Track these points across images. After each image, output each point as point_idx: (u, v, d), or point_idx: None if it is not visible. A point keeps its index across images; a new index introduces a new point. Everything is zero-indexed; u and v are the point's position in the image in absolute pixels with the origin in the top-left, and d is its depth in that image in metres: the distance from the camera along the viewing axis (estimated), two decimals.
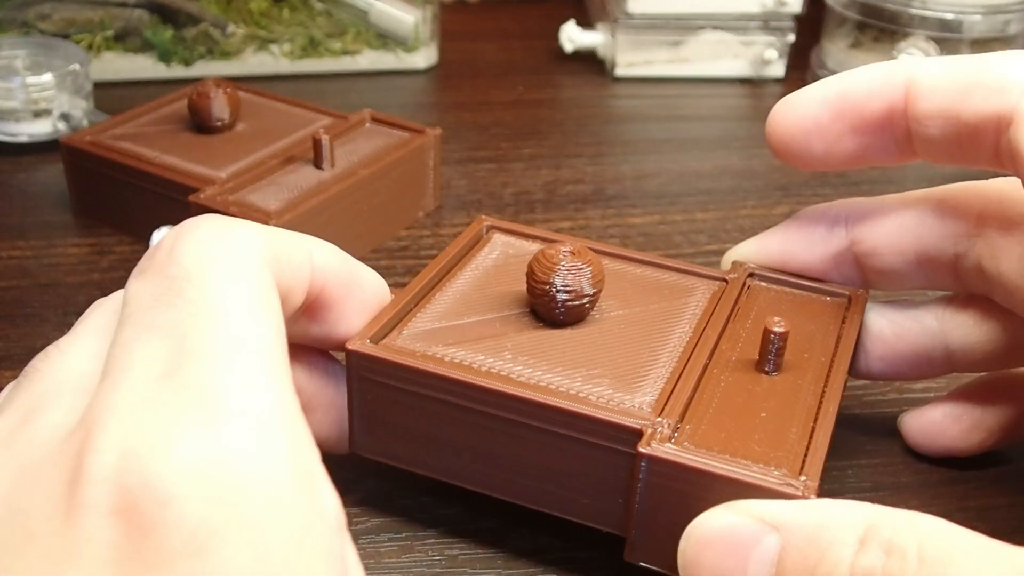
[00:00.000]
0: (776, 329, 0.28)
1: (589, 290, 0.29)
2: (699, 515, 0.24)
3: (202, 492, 0.17)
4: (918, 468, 0.33)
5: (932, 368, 0.32)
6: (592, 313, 0.30)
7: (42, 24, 0.58)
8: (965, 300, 0.31)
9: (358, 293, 0.27)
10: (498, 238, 0.34)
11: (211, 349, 0.19)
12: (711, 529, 0.23)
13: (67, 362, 0.21)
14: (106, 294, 0.44)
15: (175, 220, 0.41)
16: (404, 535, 0.30)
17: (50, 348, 0.22)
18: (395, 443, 0.29)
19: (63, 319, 0.40)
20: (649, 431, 0.25)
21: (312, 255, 0.24)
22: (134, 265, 0.22)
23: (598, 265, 0.30)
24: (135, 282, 0.21)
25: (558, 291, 0.29)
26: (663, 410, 0.26)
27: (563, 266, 0.29)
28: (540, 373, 0.28)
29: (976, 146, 0.28)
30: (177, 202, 0.41)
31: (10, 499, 0.17)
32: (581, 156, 0.54)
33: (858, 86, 0.29)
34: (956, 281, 0.31)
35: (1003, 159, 0.27)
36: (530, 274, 0.29)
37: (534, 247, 0.34)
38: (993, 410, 0.32)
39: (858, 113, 0.29)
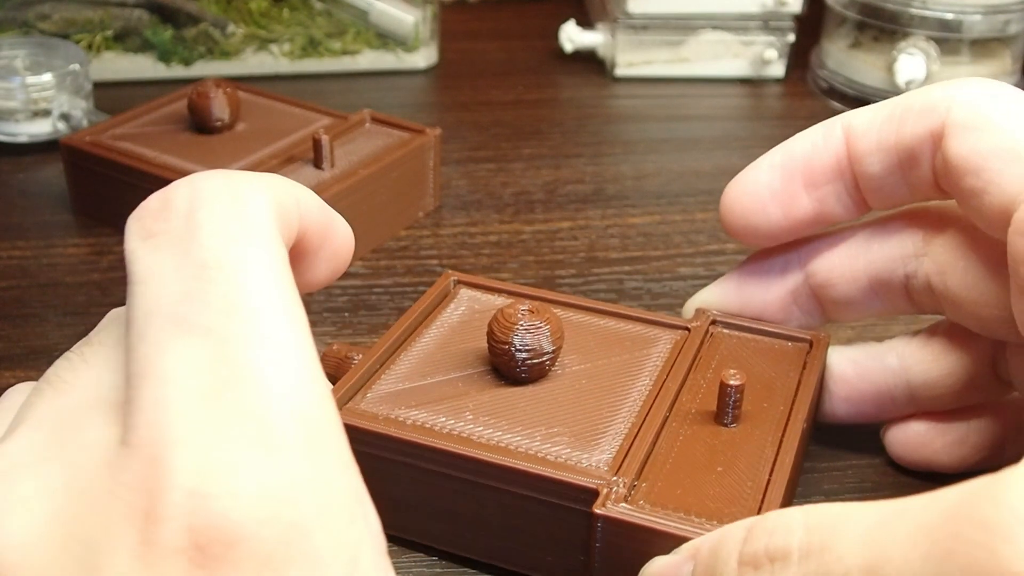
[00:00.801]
0: (732, 382, 0.28)
1: (548, 348, 0.30)
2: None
3: (265, 531, 0.17)
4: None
5: (896, 407, 0.32)
6: (554, 368, 0.31)
7: (42, 24, 0.58)
8: (925, 337, 0.32)
9: (331, 242, 0.25)
10: (464, 293, 0.35)
11: (255, 362, 0.18)
12: (650, 573, 0.25)
13: (95, 375, 0.20)
14: (106, 294, 0.44)
15: None
16: (404, 535, 0.30)
17: (72, 356, 0.21)
18: None
19: (63, 319, 0.40)
20: (604, 491, 0.26)
21: (299, 202, 0.23)
22: None
23: (557, 323, 0.30)
24: (148, 253, 0.20)
25: (517, 350, 0.29)
26: (620, 468, 0.27)
27: (521, 325, 0.29)
28: (500, 433, 0.28)
29: (917, 173, 0.28)
30: None
31: (72, 526, 0.17)
32: (581, 156, 0.54)
33: (802, 144, 0.30)
34: (909, 302, 0.31)
35: (940, 178, 0.28)
36: (490, 334, 0.30)
37: (499, 301, 0.34)
38: (978, 427, 0.32)
39: (807, 169, 0.30)
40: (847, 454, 0.34)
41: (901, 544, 0.18)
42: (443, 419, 0.29)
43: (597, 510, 0.26)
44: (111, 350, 0.21)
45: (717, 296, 0.33)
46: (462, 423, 0.28)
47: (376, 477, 0.28)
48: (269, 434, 0.18)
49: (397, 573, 0.29)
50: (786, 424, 0.29)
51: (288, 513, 0.17)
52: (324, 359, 0.33)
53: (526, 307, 0.30)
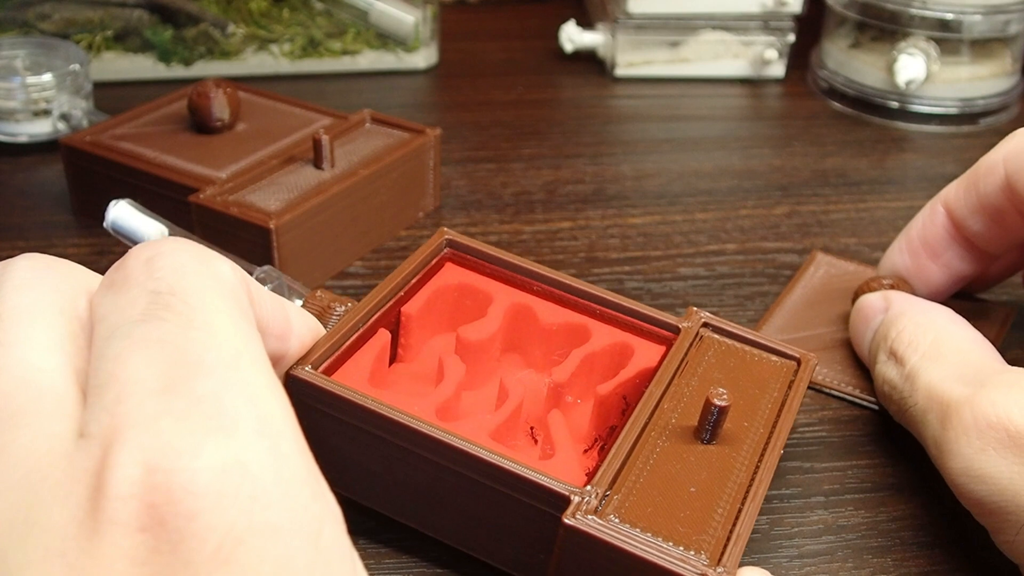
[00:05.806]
0: (717, 402, 0.28)
1: None
2: None
3: (225, 503, 0.17)
4: (918, 468, 0.33)
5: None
6: None
7: (42, 24, 0.58)
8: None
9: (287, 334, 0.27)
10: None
11: (211, 362, 0.19)
12: (859, 306, 0.36)
13: (24, 358, 0.20)
14: None
15: (175, 220, 0.41)
16: (404, 535, 0.30)
17: None
18: (332, 471, 0.29)
19: None
20: (576, 499, 0.25)
21: (290, 314, 0.26)
22: None
23: None
24: (109, 296, 0.21)
25: None
26: (594, 476, 0.26)
27: None
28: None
29: (1010, 218, 0.35)
30: (177, 202, 0.41)
31: (23, 512, 0.17)
32: (581, 156, 0.54)
33: (915, 226, 0.38)
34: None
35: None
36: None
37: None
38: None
39: (925, 245, 0.37)
40: (848, 454, 0.34)
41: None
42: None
43: (567, 520, 0.25)
44: (36, 333, 0.20)
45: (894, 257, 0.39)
46: None
47: (348, 444, 0.28)
48: (224, 419, 0.18)
49: (397, 573, 0.29)
50: (764, 450, 0.28)
51: (248, 487, 0.18)
52: (306, 305, 0.33)
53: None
